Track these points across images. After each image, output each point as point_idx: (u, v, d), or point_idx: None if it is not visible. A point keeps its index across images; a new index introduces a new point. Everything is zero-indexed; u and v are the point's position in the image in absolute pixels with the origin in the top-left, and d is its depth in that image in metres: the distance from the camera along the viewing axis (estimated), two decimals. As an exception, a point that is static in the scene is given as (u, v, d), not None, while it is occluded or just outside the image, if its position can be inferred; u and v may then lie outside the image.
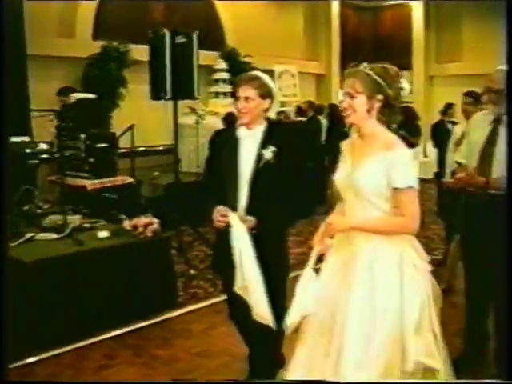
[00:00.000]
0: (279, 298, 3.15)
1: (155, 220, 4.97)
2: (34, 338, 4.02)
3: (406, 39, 13.90)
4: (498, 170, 3.57)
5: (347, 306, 2.60)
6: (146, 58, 8.67)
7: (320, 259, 2.77)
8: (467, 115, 5.79)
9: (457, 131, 5.88)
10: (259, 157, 3.12)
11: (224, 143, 3.27)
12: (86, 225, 5.11)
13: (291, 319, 2.66)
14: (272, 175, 3.11)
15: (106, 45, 9.45)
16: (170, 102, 6.88)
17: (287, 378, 2.77)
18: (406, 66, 13.76)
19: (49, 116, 6.15)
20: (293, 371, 2.75)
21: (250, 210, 3.12)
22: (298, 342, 2.80)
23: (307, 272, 2.68)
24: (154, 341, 4.30)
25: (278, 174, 3.12)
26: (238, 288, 3.06)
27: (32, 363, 3.94)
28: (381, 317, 2.56)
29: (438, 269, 6.10)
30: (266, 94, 3.15)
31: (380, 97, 2.62)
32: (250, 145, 3.17)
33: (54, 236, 4.76)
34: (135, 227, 4.86)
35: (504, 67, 3.68)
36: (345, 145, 2.83)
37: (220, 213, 3.11)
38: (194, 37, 6.08)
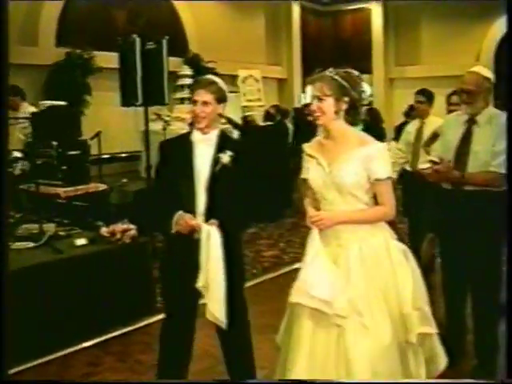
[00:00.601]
0: (236, 302, 3.24)
1: (132, 226, 4.98)
2: (15, 348, 3.98)
3: (365, 43, 14.13)
4: (473, 167, 3.72)
5: (349, 292, 2.76)
6: (110, 65, 8.72)
7: None
8: (421, 113, 5.96)
9: (409, 130, 6.08)
10: (216, 161, 3.16)
11: (177, 149, 3.28)
12: (62, 233, 5.10)
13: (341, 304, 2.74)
14: (230, 179, 3.15)
15: (69, 52, 9.39)
16: (135, 109, 6.90)
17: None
18: (366, 69, 13.99)
19: (16, 124, 6.09)
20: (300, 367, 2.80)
21: (208, 214, 3.16)
22: (296, 339, 2.85)
23: (324, 256, 2.80)
24: (137, 346, 4.31)
25: (236, 178, 3.16)
26: (200, 285, 3.10)
27: (16, 373, 3.91)
28: (381, 297, 2.77)
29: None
30: (221, 98, 3.22)
31: (346, 99, 2.84)
32: (205, 149, 3.20)
33: (31, 245, 4.73)
34: (113, 234, 4.87)
35: (477, 68, 3.85)
36: (310, 147, 3.00)
37: (185, 219, 3.12)
38: (164, 43, 6.10)
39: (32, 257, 4.50)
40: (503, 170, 3.67)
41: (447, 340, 4.02)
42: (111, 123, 9.55)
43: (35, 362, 4.08)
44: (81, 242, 4.77)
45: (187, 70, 11.00)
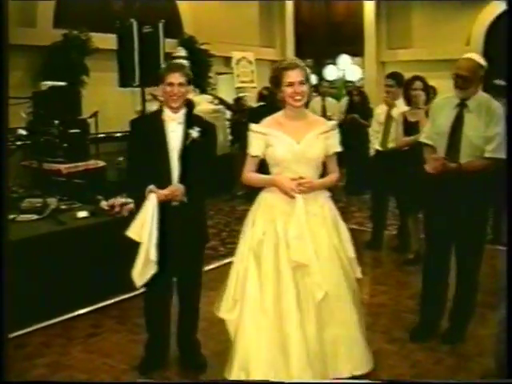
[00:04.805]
0: (196, 264, 3.80)
1: (130, 200, 5.27)
2: (24, 311, 4.25)
3: (357, 26, 14.20)
4: (467, 152, 3.88)
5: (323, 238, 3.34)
6: (106, 46, 8.93)
7: None
8: (391, 96, 6.25)
9: (378, 111, 6.44)
10: (186, 136, 3.57)
11: (149, 126, 3.66)
12: (63, 206, 5.38)
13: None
14: (198, 150, 3.57)
15: (67, 33, 9.54)
16: (132, 89, 7.14)
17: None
18: (358, 52, 14.21)
19: (17, 104, 6.31)
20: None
21: (182, 182, 3.57)
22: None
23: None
24: (135, 311, 4.57)
25: (204, 150, 3.60)
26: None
27: (25, 334, 4.25)
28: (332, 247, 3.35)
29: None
30: (190, 80, 3.64)
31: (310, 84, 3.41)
32: (175, 126, 3.60)
33: (35, 217, 5.02)
34: (112, 207, 5.17)
35: (472, 55, 4.02)
36: (265, 126, 3.39)
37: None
38: (160, 26, 6.35)
39: (37, 228, 4.80)
40: (499, 155, 3.81)
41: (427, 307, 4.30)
42: (108, 103, 9.73)
43: (42, 324, 4.42)
44: (82, 214, 5.07)
45: (182, 52, 11.17)
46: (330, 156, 3.43)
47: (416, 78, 5.63)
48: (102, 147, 8.77)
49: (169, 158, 3.58)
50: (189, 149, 3.58)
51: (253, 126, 3.41)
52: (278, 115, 3.41)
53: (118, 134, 10.47)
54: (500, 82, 6.47)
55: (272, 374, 3.21)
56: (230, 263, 5.71)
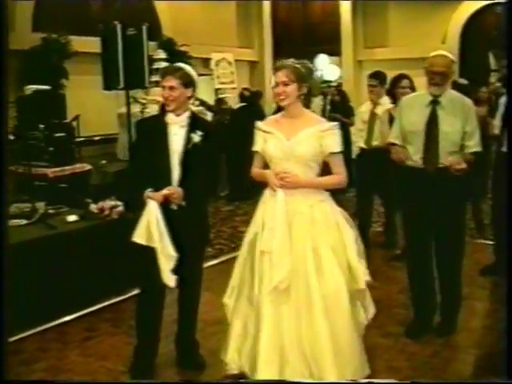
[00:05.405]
0: (197, 266, 3.78)
1: (119, 203, 5.28)
2: (16, 316, 4.21)
3: (334, 26, 14.27)
4: (444, 147, 3.93)
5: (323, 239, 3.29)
6: (86, 49, 8.91)
7: None
8: (375, 95, 6.33)
9: (362, 109, 6.52)
10: (188, 140, 3.58)
11: (152, 128, 3.68)
12: (51, 211, 5.36)
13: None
14: (199, 155, 3.57)
15: (46, 37, 9.48)
16: (112, 93, 7.13)
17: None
18: (335, 51, 14.29)
19: None
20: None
21: (182, 185, 3.58)
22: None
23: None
24: (129, 313, 4.56)
25: (205, 154, 3.60)
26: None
27: (19, 340, 4.23)
28: (331, 251, 3.28)
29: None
30: (188, 83, 3.60)
31: (305, 85, 3.37)
32: (178, 129, 3.61)
33: (25, 222, 5.00)
34: (102, 210, 5.17)
35: (444, 52, 4.11)
36: (265, 124, 3.49)
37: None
38: (144, 29, 6.36)
39: (27, 233, 4.77)
40: (479, 149, 4.01)
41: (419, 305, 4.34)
42: (88, 107, 9.68)
43: (36, 330, 4.40)
44: (72, 218, 5.06)
45: (162, 54, 11.15)
46: (329, 157, 3.39)
47: (403, 76, 5.71)
48: (84, 151, 8.73)
49: (169, 161, 3.58)
50: (190, 153, 3.58)
51: (257, 124, 3.51)
52: (279, 114, 3.51)
53: (98, 138, 10.50)
54: (463, 81, 6.62)
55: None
56: (218, 264, 5.91)
